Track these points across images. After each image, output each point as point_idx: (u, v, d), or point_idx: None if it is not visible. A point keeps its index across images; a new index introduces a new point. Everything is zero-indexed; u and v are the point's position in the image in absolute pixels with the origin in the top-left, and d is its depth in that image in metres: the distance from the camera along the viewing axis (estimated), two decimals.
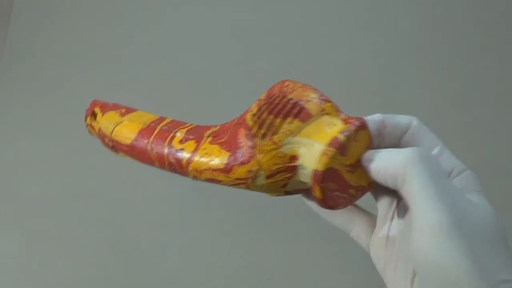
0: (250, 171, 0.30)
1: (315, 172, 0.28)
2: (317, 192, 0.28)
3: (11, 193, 0.67)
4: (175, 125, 0.36)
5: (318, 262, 0.61)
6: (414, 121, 0.29)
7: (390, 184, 0.27)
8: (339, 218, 0.33)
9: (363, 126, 0.28)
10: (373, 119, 0.29)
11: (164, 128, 0.35)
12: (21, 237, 0.65)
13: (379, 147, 0.29)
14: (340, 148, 0.28)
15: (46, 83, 0.73)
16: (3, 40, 0.75)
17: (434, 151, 0.28)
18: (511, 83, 0.70)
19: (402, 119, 0.29)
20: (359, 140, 0.28)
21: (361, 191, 0.29)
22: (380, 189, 0.31)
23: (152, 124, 0.37)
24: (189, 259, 0.63)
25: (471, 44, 0.71)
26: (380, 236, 0.30)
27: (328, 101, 0.30)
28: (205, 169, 0.31)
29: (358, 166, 0.29)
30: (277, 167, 0.29)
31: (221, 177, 0.31)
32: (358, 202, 0.30)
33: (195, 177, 0.32)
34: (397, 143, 0.29)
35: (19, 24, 0.76)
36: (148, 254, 0.63)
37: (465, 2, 0.73)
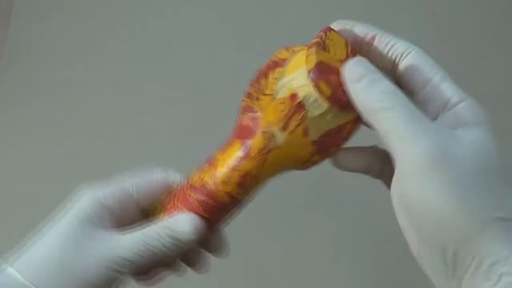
0: (264, 132, 0.29)
1: (310, 73, 0.27)
2: (323, 88, 0.27)
3: (11, 193, 0.67)
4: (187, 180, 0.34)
5: (318, 262, 0.61)
6: (414, 48, 0.27)
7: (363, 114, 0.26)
8: (359, 160, 0.30)
9: (327, 29, 0.28)
10: (342, 24, 0.29)
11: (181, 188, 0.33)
12: (21, 237, 0.64)
13: (372, 60, 0.27)
14: (317, 44, 0.27)
15: (46, 83, 0.73)
16: (3, 40, 0.75)
17: (434, 80, 0.26)
18: (511, 83, 0.70)
19: (399, 43, 0.28)
20: (334, 40, 0.28)
21: None
22: None
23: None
24: None
25: (471, 44, 0.71)
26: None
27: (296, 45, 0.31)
28: (231, 172, 0.30)
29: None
30: (284, 113, 0.28)
31: (247, 164, 0.29)
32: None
33: (233, 192, 0.30)
34: (391, 68, 0.28)
35: (19, 24, 0.76)
36: None
37: (465, 2, 0.73)
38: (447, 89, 0.26)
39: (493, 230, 0.22)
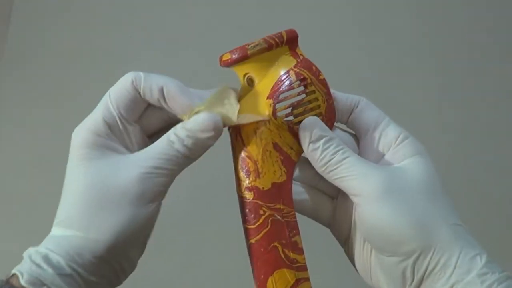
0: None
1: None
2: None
3: (11, 193, 0.67)
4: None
5: (318, 262, 0.61)
6: (363, 100, 0.32)
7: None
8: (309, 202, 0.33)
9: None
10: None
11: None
12: (21, 237, 0.65)
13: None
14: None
15: (46, 83, 0.73)
16: (3, 40, 0.75)
17: (383, 123, 0.31)
18: (511, 83, 0.70)
19: (352, 96, 0.32)
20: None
21: None
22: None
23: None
24: (189, 259, 0.63)
25: (471, 44, 0.71)
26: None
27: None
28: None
29: None
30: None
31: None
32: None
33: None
34: (346, 119, 0.32)
35: (19, 24, 0.76)
36: (148, 254, 0.63)
37: (466, 2, 0.73)
38: (393, 131, 0.31)
39: (444, 234, 0.26)
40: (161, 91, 0.30)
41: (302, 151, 0.31)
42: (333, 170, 0.29)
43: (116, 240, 0.27)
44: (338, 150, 0.29)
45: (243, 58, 0.31)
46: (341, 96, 0.32)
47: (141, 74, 0.30)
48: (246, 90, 0.32)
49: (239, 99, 0.31)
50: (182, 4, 0.75)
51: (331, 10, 0.74)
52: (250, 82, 0.32)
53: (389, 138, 0.30)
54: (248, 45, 0.31)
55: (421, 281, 0.26)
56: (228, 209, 0.63)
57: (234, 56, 0.31)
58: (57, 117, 0.70)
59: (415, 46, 0.71)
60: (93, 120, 0.30)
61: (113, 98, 0.31)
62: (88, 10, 0.77)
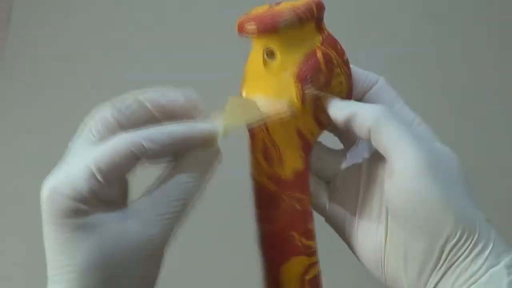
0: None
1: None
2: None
3: (11, 193, 0.67)
4: None
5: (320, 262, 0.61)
6: (381, 79, 0.31)
7: (357, 131, 0.28)
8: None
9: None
10: None
11: None
12: (21, 237, 0.65)
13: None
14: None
15: (46, 83, 0.73)
16: (3, 40, 0.75)
17: (398, 105, 0.30)
18: (511, 83, 0.70)
19: (371, 75, 0.31)
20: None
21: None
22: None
23: None
24: (189, 260, 0.63)
25: (471, 44, 0.71)
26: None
27: None
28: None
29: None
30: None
31: None
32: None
33: None
34: (361, 97, 0.31)
35: (19, 24, 0.76)
36: None
37: (466, 2, 0.73)
38: (408, 115, 0.30)
39: (481, 225, 0.26)
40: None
41: (318, 136, 0.30)
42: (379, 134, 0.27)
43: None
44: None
45: (272, 31, 0.28)
46: (360, 75, 0.31)
47: (143, 145, 0.25)
48: (261, 62, 0.29)
49: (254, 71, 0.29)
50: (183, 5, 0.75)
51: (331, 10, 0.74)
52: (271, 55, 0.29)
53: (405, 120, 0.29)
54: (280, 17, 0.27)
55: (450, 266, 0.26)
56: (227, 209, 0.63)
57: (261, 27, 0.28)
58: (57, 117, 0.70)
59: (415, 46, 0.71)
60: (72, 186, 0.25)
61: (104, 169, 0.25)
62: (88, 11, 0.77)
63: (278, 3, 0.30)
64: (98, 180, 0.24)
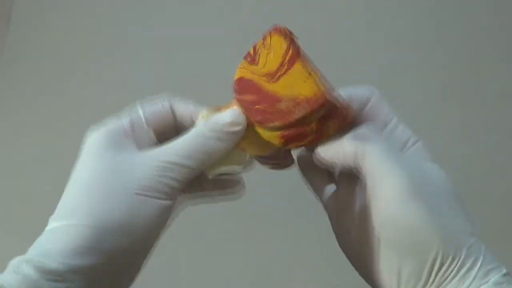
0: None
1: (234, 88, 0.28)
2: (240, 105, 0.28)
3: (11, 193, 0.67)
4: None
5: (319, 262, 0.61)
6: (375, 95, 0.31)
7: (346, 164, 0.28)
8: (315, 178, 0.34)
9: (270, 32, 0.28)
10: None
11: None
12: (21, 238, 0.64)
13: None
14: (246, 57, 0.28)
15: (46, 83, 0.73)
16: (3, 40, 0.75)
17: (391, 124, 0.30)
18: (511, 83, 0.70)
19: (364, 92, 0.31)
20: (271, 47, 0.28)
21: (300, 104, 0.27)
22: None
23: None
24: (189, 259, 0.63)
25: (471, 44, 0.72)
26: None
27: None
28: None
29: (282, 75, 0.27)
30: None
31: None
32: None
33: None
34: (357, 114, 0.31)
35: (19, 24, 0.76)
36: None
37: (466, 2, 0.73)
38: (404, 132, 0.30)
39: (468, 244, 0.26)
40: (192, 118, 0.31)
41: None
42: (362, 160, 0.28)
43: (121, 230, 0.26)
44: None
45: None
46: (355, 95, 0.31)
47: (178, 99, 0.32)
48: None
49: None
50: (182, 4, 0.75)
51: (331, 10, 0.74)
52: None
53: (398, 140, 0.30)
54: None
55: (438, 286, 0.27)
56: (227, 209, 0.63)
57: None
58: (57, 116, 0.70)
59: (415, 46, 0.71)
60: (116, 124, 0.30)
61: (147, 112, 0.31)
62: (89, 10, 0.77)
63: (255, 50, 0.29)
64: (139, 120, 0.31)
